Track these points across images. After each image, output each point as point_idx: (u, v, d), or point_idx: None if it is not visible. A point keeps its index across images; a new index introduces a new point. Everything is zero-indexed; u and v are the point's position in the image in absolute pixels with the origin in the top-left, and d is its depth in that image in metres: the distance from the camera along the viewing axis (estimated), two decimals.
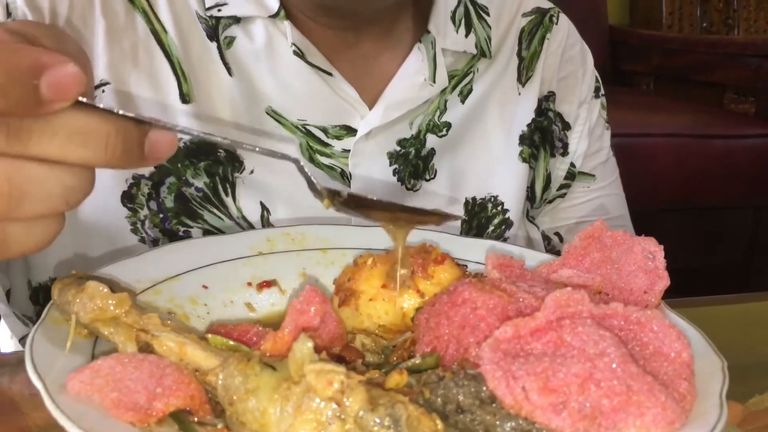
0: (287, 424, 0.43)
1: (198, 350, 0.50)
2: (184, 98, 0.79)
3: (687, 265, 2.08)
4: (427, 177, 0.89)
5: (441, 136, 0.89)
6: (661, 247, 0.59)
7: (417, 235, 0.67)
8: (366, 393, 0.42)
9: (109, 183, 0.78)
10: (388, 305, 0.57)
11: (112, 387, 0.43)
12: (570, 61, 0.98)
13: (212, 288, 0.61)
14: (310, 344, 0.43)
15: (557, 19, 0.98)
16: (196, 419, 0.47)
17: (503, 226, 0.93)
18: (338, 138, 0.84)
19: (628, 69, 3.11)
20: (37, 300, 0.83)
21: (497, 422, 0.44)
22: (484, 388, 0.45)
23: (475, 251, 0.70)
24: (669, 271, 0.60)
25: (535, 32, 0.96)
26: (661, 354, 0.48)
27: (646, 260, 0.59)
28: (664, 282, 0.58)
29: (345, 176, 0.84)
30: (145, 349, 0.51)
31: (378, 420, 0.42)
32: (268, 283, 0.64)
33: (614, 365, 0.44)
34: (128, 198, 0.79)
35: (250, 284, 0.64)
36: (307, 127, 0.83)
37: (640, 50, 3.06)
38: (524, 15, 0.97)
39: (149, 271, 0.60)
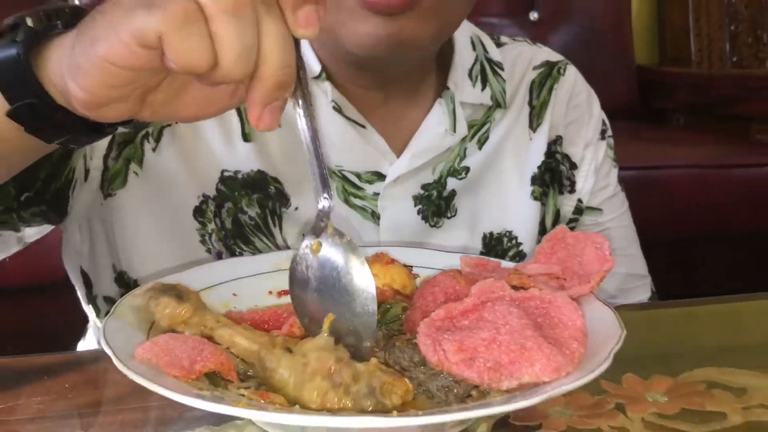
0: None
1: (243, 340, 0.66)
2: (246, 137, 0.94)
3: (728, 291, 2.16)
4: (449, 215, 1.01)
5: (460, 179, 1.01)
6: (606, 239, 0.73)
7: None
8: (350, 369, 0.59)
9: (184, 199, 0.94)
10: None
11: (165, 353, 0.60)
12: (576, 107, 1.10)
13: (240, 295, 0.78)
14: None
15: (564, 70, 1.10)
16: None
17: (517, 258, 1.04)
18: (370, 182, 0.97)
19: (658, 107, 3.20)
20: (122, 283, 0.96)
21: (426, 379, 0.60)
22: (418, 353, 0.61)
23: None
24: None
25: (544, 83, 1.08)
26: (562, 323, 0.62)
27: (596, 250, 0.72)
28: (609, 264, 0.71)
29: (375, 216, 0.98)
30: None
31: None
32: (286, 292, 0.75)
33: (514, 331, 0.60)
34: (199, 213, 0.94)
35: (271, 293, 0.79)
36: (343, 172, 0.96)
37: (668, 88, 3.16)
38: (535, 68, 1.09)
39: (190, 284, 0.75)
